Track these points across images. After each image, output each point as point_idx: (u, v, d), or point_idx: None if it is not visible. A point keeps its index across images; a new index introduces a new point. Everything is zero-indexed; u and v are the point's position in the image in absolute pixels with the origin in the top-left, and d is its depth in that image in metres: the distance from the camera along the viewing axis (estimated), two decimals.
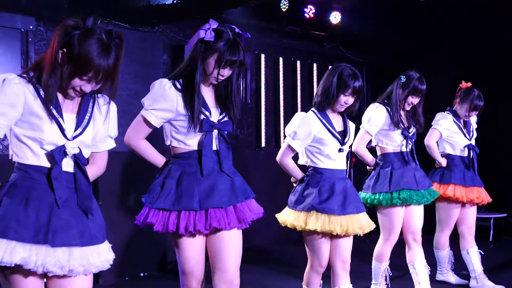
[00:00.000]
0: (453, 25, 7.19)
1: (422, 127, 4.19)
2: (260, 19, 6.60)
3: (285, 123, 7.27)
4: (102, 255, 2.18)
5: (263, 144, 7.01)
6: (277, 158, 3.51)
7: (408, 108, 4.06)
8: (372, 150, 4.19)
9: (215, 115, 2.74)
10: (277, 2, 6.77)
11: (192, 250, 2.72)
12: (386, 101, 4.04)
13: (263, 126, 7.02)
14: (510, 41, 6.85)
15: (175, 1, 4.65)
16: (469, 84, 4.67)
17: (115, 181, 5.08)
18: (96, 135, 2.30)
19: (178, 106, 2.66)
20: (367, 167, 4.23)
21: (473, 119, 4.79)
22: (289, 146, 3.42)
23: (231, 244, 2.76)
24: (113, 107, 2.34)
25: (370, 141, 4.12)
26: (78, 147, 2.19)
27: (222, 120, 2.75)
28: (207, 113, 2.71)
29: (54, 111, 2.12)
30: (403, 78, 4.01)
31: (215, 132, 2.73)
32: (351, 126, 3.55)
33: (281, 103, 7.27)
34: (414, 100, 4.02)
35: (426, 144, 4.57)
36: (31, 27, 4.88)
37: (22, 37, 4.86)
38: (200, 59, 2.66)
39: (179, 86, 2.68)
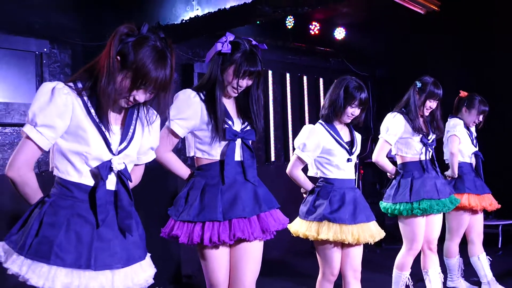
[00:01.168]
0: (456, 37, 7.29)
1: (442, 132, 4.21)
2: (266, 37, 6.73)
3: (294, 137, 7.36)
4: (145, 272, 2.14)
5: (272, 158, 7.10)
6: (287, 170, 3.56)
7: (427, 113, 4.06)
8: (392, 160, 4.20)
9: (237, 125, 2.76)
10: (282, 20, 6.91)
11: (217, 261, 2.71)
12: (403, 109, 4.05)
13: (272, 140, 7.12)
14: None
15: (183, 21, 4.76)
16: (466, 93, 4.75)
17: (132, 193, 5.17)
18: (140, 148, 2.22)
19: (202, 114, 2.69)
20: (388, 175, 4.24)
21: (472, 128, 4.86)
22: (299, 158, 3.48)
23: (250, 256, 2.75)
24: (158, 118, 2.24)
25: (390, 150, 4.14)
26: (123, 162, 2.09)
27: (245, 129, 2.77)
28: (229, 122, 2.72)
29: (101, 125, 2.02)
30: (418, 84, 4.03)
31: (239, 141, 2.75)
32: (358, 136, 3.62)
33: (289, 117, 7.37)
34: (432, 104, 4.03)
35: (451, 152, 4.54)
36: (45, 49, 4.99)
37: (37, 59, 4.97)
38: (219, 71, 2.69)
39: (202, 97, 2.71)
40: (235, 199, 2.68)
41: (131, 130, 2.12)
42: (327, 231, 3.33)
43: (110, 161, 2.04)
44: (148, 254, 2.24)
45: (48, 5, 5.01)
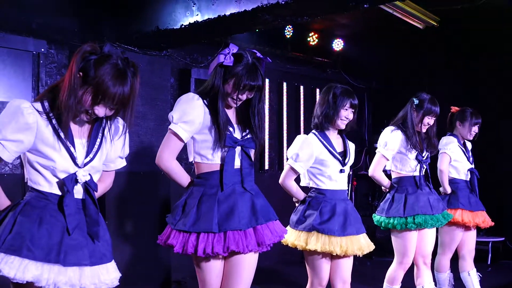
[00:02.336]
0: (453, 53, 7.33)
1: (436, 149, 4.23)
2: (265, 45, 6.74)
3: (288, 146, 7.36)
4: (111, 273, 2.24)
5: (266, 167, 7.10)
6: (280, 180, 3.55)
7: (424, 129, 4.07)
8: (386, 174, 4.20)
9: (238, 132, 2.76)
10: (281, 29, 6.93)
11: (212, 271, 2.71)
12: (400, 124, 4.06)
13: (267, 149, 7.11)
14: (509, 63, 7.02)
15: (183, 26, 4.76)
16: (457, 107, 4.78)
17: (120, 200, 5.17)
18: (107, 157, 2.35)
19: (205, 118, 2.69)
20: (382, 188, 4.24)
21: (469, 145, 4.88)
22: (292, 168, 3.48)
23: (244, 268, 2.73)
24: (125, 128, 2.36)
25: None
26: (89, 174, 2.23)
27: (246, 137, 2.77)
28: (231, 129, 2.72)
29: (65, 140, 2.16)
30: (415, 101, 4.04)
31: (238, 149, 2.74)
32: (351, 146, 3.61)
33: (285, 126, 7.37)
34: (430, 120, 4.05)
35: (439, 169, 4.58)
36: (42, 49, 4.99)
37: (34, 59, 4.96)
38: (221, 83, 2.69)
39: (205, 102, 2.71)
40: (231, 211, 2.65)
41: (97, 143, 2.26)
42: (316, 241, 3.33)
43: (75, 173, 2.19)
44: (113, 261, 2.33)
45: (47, 6, 5.00)
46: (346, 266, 3.47)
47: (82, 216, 2.22)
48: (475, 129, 4.73)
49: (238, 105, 2.75)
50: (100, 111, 2.15)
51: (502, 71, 7.17)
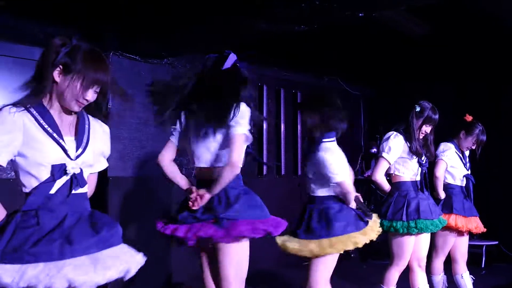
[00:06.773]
0: (448, 60, 7.43)
1: (433, 156, 4.35)
2: (261, 51, 6.84)
3: (286, 152, 7.47)
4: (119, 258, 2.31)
5: (264, 172, 7.21)
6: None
7: (421, 136, 4.19)
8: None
9: None
10: None
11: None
12: (402, 130, 4.16)
13: (265, 154, 7.20)
14: (502, 72, 7.15)
15: (184, 35, 4.88)
16: (471, 117, 4.87)
17: (123, 204, 5.27)
18: (95, 155, 2.36)
19: None
20: (379, 192, 4.37)
21: (466, 151, 5.01)
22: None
23: None
24: (106, 128, 2.43)
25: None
26: (80, 168, 2.23)
27: None
28: None
29: (54, 134, 2.18)
30: (417, 108, 4.15)
31: None
32: None
33: (282, 133, 7.48)
34: (427, 128, 4.17)
35: (435, 175, 4.67)
36: None
37: None
38: None
39: None
40: None
41: (85, 137, 2.29)
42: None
43: (64, 164, 2.19)
44: (122, 244, 2.36)
45: (53, 16, 5.10)
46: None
47: (70, 208, 2.20)
48: (474, 147, 4.84)
49: None
50: (90, 95, 2.21)
51: (495, 81, 7.30)
